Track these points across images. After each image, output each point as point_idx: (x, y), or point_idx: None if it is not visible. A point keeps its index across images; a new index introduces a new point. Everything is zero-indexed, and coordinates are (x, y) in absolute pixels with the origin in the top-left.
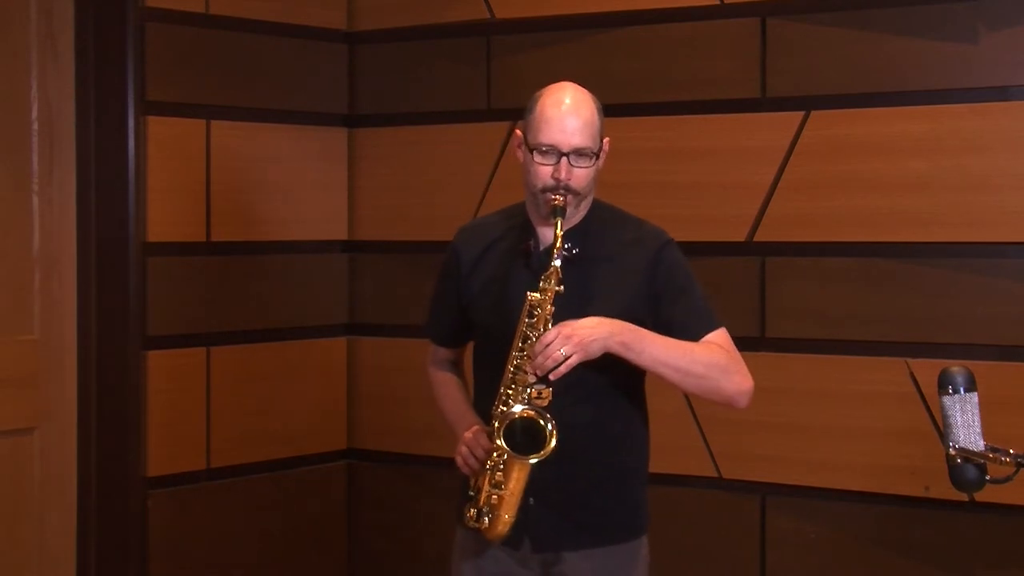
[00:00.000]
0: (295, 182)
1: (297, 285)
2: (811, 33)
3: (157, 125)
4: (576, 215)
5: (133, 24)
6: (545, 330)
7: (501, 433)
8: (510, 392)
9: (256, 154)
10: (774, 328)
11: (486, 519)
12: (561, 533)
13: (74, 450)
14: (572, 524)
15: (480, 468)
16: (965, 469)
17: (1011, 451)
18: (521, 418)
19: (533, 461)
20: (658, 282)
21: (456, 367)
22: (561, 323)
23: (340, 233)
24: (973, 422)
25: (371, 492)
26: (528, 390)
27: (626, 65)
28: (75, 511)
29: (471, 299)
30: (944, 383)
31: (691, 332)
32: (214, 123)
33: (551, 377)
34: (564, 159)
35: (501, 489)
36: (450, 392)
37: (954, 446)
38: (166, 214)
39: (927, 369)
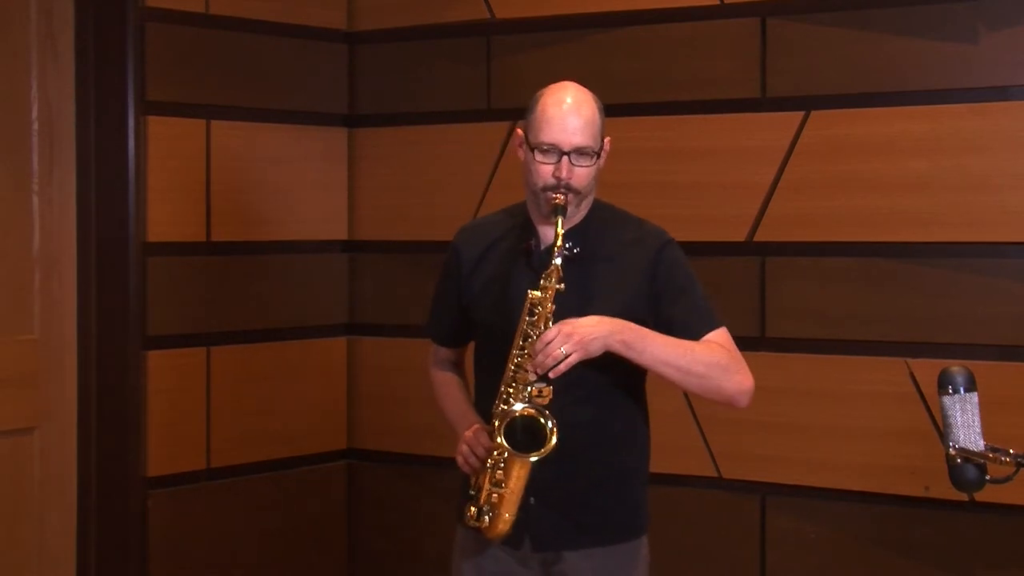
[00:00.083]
0: (295, 182)
1: (297, 285)
2: (811, 33)
3: (157, 125)
4: (577, 214)
5: (133, 24)
6: (546, 328)
7: (501, 431)
8: (511, 390)
9: (256, 154)
10: (774, 328)
11: (486, 518)
12: (561, 532)
13: (74, 450)
14: (572, 524)
15: (481, 467)
16: (965, 469)
17: (1011, 451)
18: (521, 416)
19: (533, 459)
20: (659, 281)
21: (457, 367)
22: (562, 321)
23: (340, 233)
24: (973, 422)
25: (371, 492)
26: (529, 388)
27: (626, 65)
28: (75, 511)
29: (472, 298)
30: (944, 383)
31: (692, 331)
32: (214, 123)
33: (551, 375)
34: (565, 158)
35: (502, 487)
36: (451, 392)
37: (954, 446)
38: (166, 214)
39: (927, 369)
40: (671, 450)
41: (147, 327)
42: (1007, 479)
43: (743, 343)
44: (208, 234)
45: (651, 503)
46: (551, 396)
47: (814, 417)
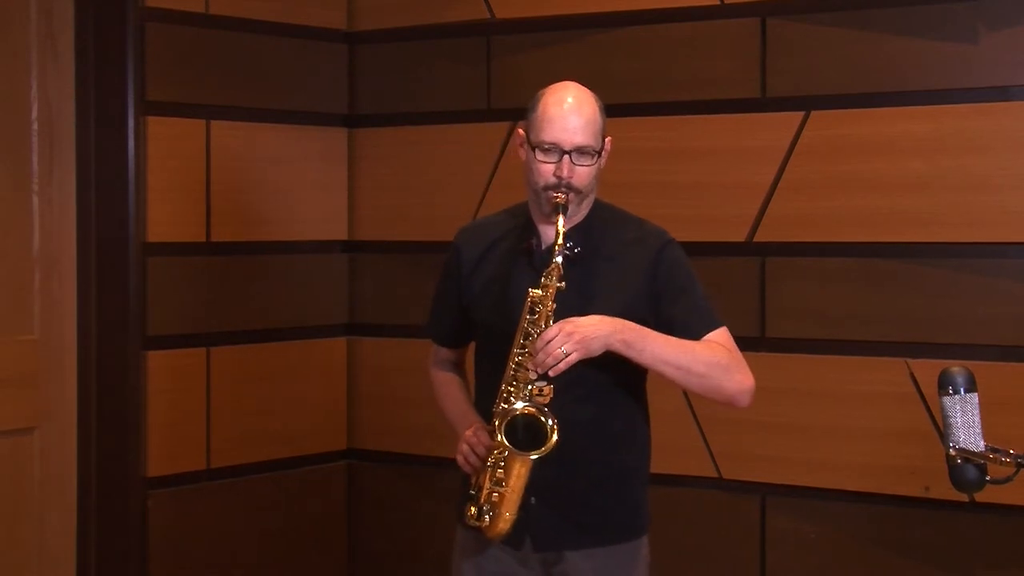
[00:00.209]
0: (295, 182)
1: (297, 285)
2: (811, 33)
3: (157, 125)
4: (578, 214)
5: (133, 24)
6: (547, 327)
7: (502, 430)
8: (511, 389)
9: (256, 154)
10: (774, 328)
11: (487, 517)
12: (562, 532)
13: (74, 450)
14: (573, 524)
15: (481, 466)
16: (965, 469)
17: (1011, 451)
18: (522, 415)
19: (534, 457)
20: (659, 281)
21: (458, 367)
22: (563, 320)
23: (340, 233)
24: (973, 422)
25: (371, 492)
26: (529, 387)
27: (626, 65)
28: (75, 511)
29: (472, 298)
30: (944, 383)
31: (692, 331)
32: (214, 123)
33: (551, 374)
34: (566, 157)
35: (502, 486)
36: (451, 392)
37: (954, 446)
38: (166, 214)
39: (927, 369)
40: (671, 450)
41: (147, 327)
42: (1007, 480)
43: (743, 343)
44: (208, 234)
45: (651, 503)
46: (552, 395)
47: (814, 417)
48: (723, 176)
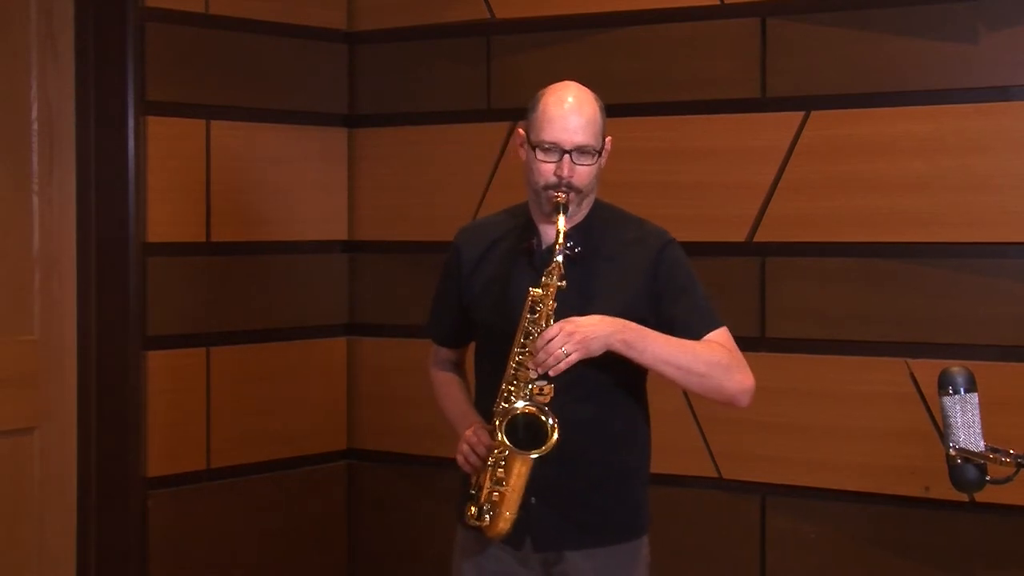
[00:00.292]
0: (295, 182)
1: (297, 285)
2: (811, 33)
3: (157, 125)
4: (578, 213)
5: (133, 24)
6: (547, 326)
7: (503, 429)
8: (512, 388)
9: (256, 154)
10: (774, 328)
11: (487, 516)
12: (563, 532)
13: (74, 450)
14: (574, 524)
15: (481, 465)
16: (965, 469)
17: (1011, 451)
18: (523, 414)
19: (534, 456)
20: (660, 281)
21: (458, 368)
22: (564, 320)
23: (340, 233)
24: (973, 422)
25: (371, 492)
26: (530, 386)
27: (626, 65)
28: (75, 511)
29: (472, 298)
30: (944, 383)
31: (693, 331)
32: (214, 123)
33: (551, 373)
34: (567, 157)
35: (502, 486)
36: (452, 392)
37: (954, 446)
38: (166, 214)
39: (927, 369)
40: (671, 450)
41: (147, 327)
42: (1007, 480)
43: (743, 343)
44: (208, 234)
45: (651, 503)
46: (552, 394)
47: (814, 417)
48: (723, 176)
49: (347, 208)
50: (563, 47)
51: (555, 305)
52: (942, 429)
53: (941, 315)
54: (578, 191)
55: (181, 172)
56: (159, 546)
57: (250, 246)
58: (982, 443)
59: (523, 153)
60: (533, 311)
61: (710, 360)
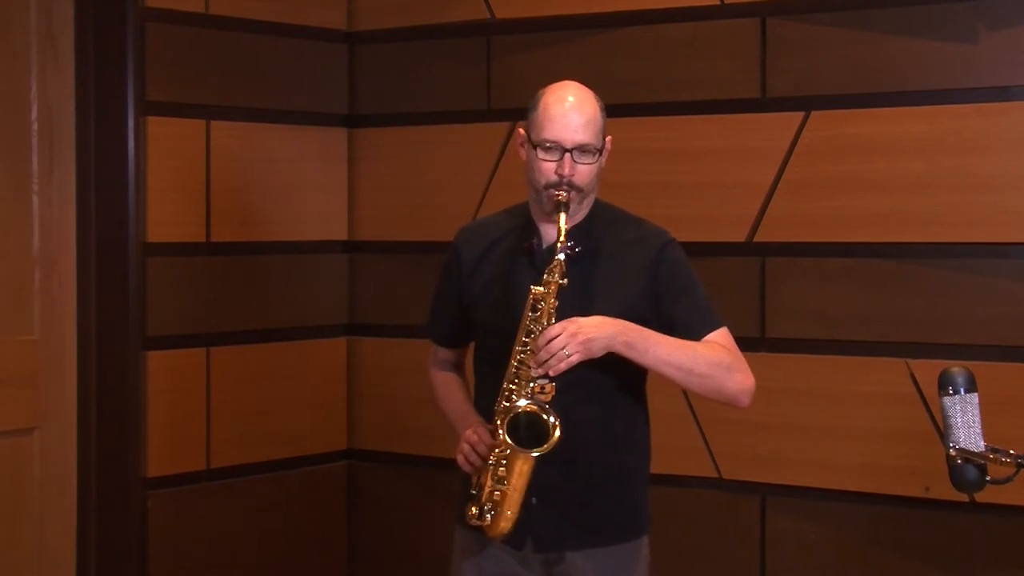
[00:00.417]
0: (295, 182)
1: (297, 285)
2: (811, 33)
3: (157, 125)
4: (579, 213)
5: (133, 24)
6: (549, 324)
7: (504, 427)
8: (513, 387)
9: (256, 154)
10: (774, 328)
11: (488, 516)
12: (564, 533)
13: (74, 450)
14: (575, 524)
15: (482, 464)
16: (965, 470)
17: (1011, 452)
18: (524, 413)
19: (536, 454)
20: (660, 281)
21: (458, 368)
22: (567, 320)
23: (340, 233)
24: (973, 423)
25: (371, 492)
26: (531, 384)
27: (626, 65)
28: (75, 511)
29: (472, 298)
30: (944, 384)
31: (693, 331)
32: (214, 123)
33: (551, 373)
34: (567, 155)
35: (504, 484)
36: (452, 392)
37: (954, 447)
38: (166, 214)
39: (927, 369)
40: (671, 451)
41: (147, 327)
42: (1007, 480)
43: (743, 343)
44: (208, 234)
45: (651, 503)
46: (554, 392)
47: (814, 417)
48: (723, 176)
49: (347, 208)
50: (563, 47)
51: (556, 303)
52: (942, 429)
53: (941, 315)
54: (579, 190)
55: (181, 172)
56: (159, 546)
57: (250, 246)
58: (982, 443)
59: (524, 152)
60: (534, 309)
61: (711, 361)
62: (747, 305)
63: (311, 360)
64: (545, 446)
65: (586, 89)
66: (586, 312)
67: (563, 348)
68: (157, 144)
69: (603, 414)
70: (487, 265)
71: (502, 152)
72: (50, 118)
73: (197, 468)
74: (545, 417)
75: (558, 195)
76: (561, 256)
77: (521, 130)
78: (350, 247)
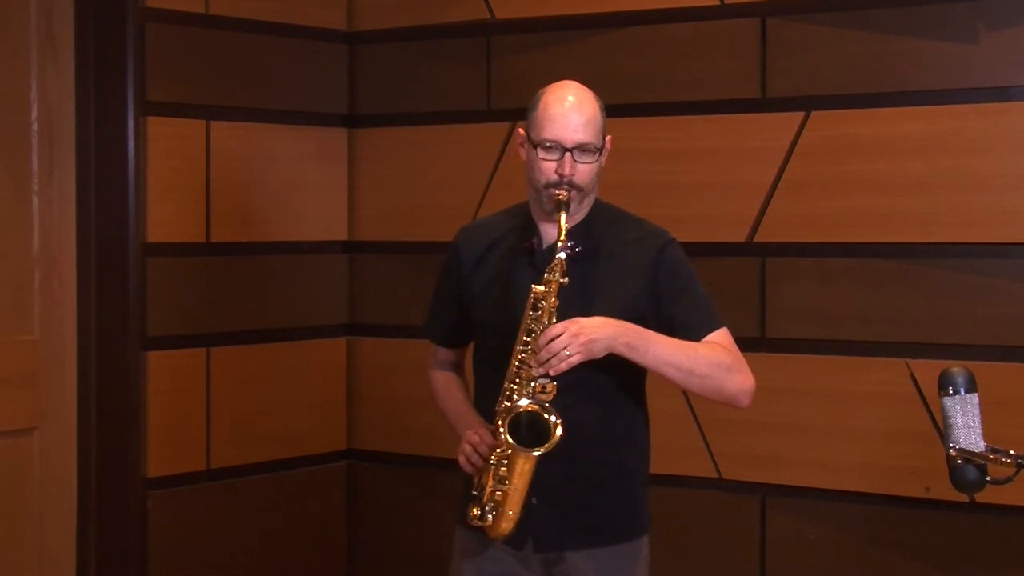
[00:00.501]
0: (295, 182)
1: (297, 285)
2: (811, 33)
3: (157, 125)
4: (579, 212)
5: (133, 24)
6: (550, 323)
7: (506, 427)
8: (514, 387)
9: (256, 154)
10: (774, 328)
11: (490, 516)
12: (564, 533)
13: (74, 450)
14: (575, 524)
15: (484, 465)
16: (965, 470)
17: (1011, 452)
18: (526, 412)
19: (537, 453)
20: (660, 281)
21: (458, 369)
22: (569, 320)
23: (340, 233)
24: (973, 423)
25: (371, 492)
26: (532, 384)
27: (627, 65)
28: (75, 511)
29: (472, 298)
30: (944, 384)
31: (694, 331)
32: (214, 123)
33: (551, 373)
34: (568, 155)
35: (505, 484)
36: (451, 392)
37: (954, 447)
38: (166, 214)
39: (927, 369)
40: (672, 451)
41: (147, 327)
42: (1007, 480)
43: (743, 343)
44: (208, 234)
45: (651, 503)
46: (555, 392)
47: (814, 417)
48: (723, 176)
49: (347, 208)
50: (563, 47)
51: (557, 302)
52: (942, 429)
53: (941, 315)
54: (580, 189)
55: (181, 172)
56: (159, 546)
57: (250, 246)
58: (982, 443)
59: (523, 153)
60: (535, 308)
61: (711, 361)
62: (747, 305)
63: (311, 360)
64: (546, 445)
65: (586, 89)
66: (586, 312)
67: (564, 348)
68: (157, 144)
69: (604, 414)
70: (487, 265)
71: (502, 152)
72: (50, 118)
73: (197, 468)
74: (546, 416)
75: (559, 194)
76: (562, 255)
77: (521, 130)
78: (350, 247)
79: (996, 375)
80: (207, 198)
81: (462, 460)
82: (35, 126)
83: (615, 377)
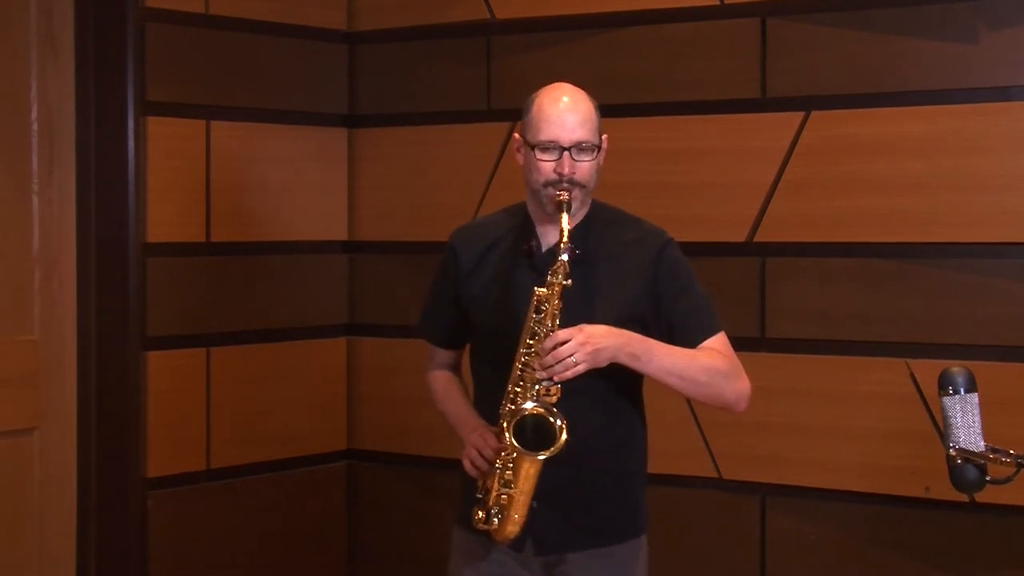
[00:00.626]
0: (295, 182)
1: (297, 285)
2: (811, 33)
3: (157, 125)
4: (578, 213)
5: (133, 24)
6: (554, 325)
7: (511, 431)
8: (518, 390)
9: (256, 154)
10: (774, 328)
11: (495, 520)
12: (565, 536)
13: (74, 450)
14: (577, 527)
15: (489, 469)
16: (965, 470)
17: (1011, 452)
18: (532, 415)
19: (543, 457)
20: (660, 281)
21: (456, 370)
22: (576, 327)
23: (340, 233)
24: (973, 423)
25: (371, 492)
26: (537, 387)
27: (627, 65)
28: (75, 511)
29: (471, 300)
30: (944, 384)
31: (693, 332)
32: (214, 123)
33: (556, 379)
34: (566, 154)
35: (511, 488)
36: (451, 394)
37: (954, 447)
38: (166, 214)
39: (927, 369)
40: (672, 451)
41: (147, 327)
42: (1007, 480)
43: (743, 343)
44: (208, 235)
45: (652, 504)
46: (559, 394)
47: (814, 417)
48: (723, 176)
49: (347, 208)
50: (563, 47)
51: (560, 304)
52: (942, 429)
53: (941, 315)
54: (581, 186)
55: (181, 172)
56: (159, 546)
57: (250, 246)
58: (982, 443)
59: (521, 157)
60: (538, 311)
61: (711, 369)
62: (747, 305)
63: (311, 360)
64: (552, 449)
65: (579, 89)
66: (588, 314)
67: (571, 355)
68: (157, 144)
69: (606, 420)
70: (486, 267)
71: (502, 152)
72: (50, 118)
73: (197, 468)
74: (552, 420)
75: (559, 195)
76: (564, 257)
77: (517, 135)
78: (350, 247)
79: (996, 375)
80: (207, 198)
81: (467, 464)
82: (35, 126)
83: (616, 382)
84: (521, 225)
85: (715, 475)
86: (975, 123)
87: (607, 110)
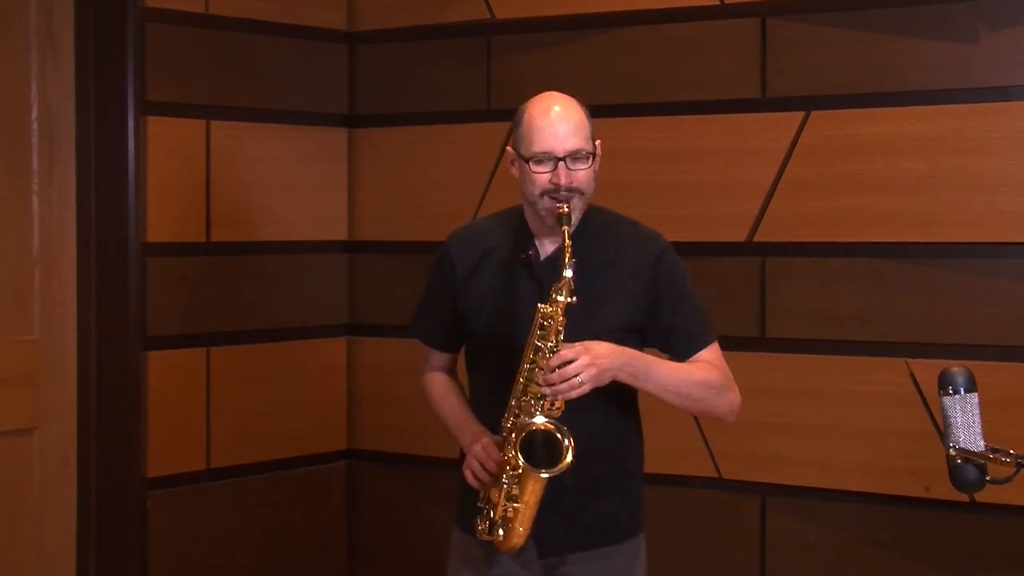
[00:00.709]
0: (295, 182)
1: (297, 285)
2: (811, 33)
3: (157, 125)
4: (575, 217)
5: (133, 24)
6: (558, 342)
7: (518, 446)
8: (521, 404)
9: (256, 154)
10: (774, 328)
11: (500, 532)
12: (567, 537)
13: (74, 450)
14: (578, 529)
15: (492, 482)
16: (965, 470)
17: (1011, 451)
18: (540, 431)
19: (546, 476)
20: (659, 288)
21: (452, 373)
22: (581, 345)
23: (340, 233)
24: (973, 422)
25: (371, 492)
26: (541, 401)
27: (627, 65)
28: (75, 511)
29: (468, 307)
30: (944, 383)
31: (690, 340)
32: (214, 123)
33: (560, 397)
34: (561, 164)
35: (517, 502)
36: (450, 399)
37: (954, 446)
38: (166, 214)
39: (927, 369)
40: (672, 451)
41: (147, 327)
42: (1007, 480)
43: (743, 343)
44: (208, 234)
45: (652, 504)
46: (564, 407)
47: (814, 417)
48: (723, 176)
49: (347, 208)
50: (563, 47)
51: (565, 321)
52: (942, 429)
53: (941, 315)
54: (580, 192)
55: (181, 172)
56: (159, 546)
57: (250, 246)
58: (982, 443)
59: (515, 170)
60: (542, 328)
61: (705, 384)
62: (747, 305)
63: (311, 360)
64: (557, 468)
65: (568, 97)
66: (587, 322)
67: (576, 375)
68: (157, 144)
69: (608, 423)
70: (483, 275)
71: (502, 152)
72: (50, 118)
73: (197, 468)
74: (560, 437)
75: (559, 208)
76: (568, 273)
77: (510, 148)
78: (350, 247)
79: (996, 375)
80: (207, 198)
81: (469, 476)
82: (35, 126)
83: (615, 387)
84: (517, 230)
85: (715, 475)
86: (975, 123)
87: (607, 110)
